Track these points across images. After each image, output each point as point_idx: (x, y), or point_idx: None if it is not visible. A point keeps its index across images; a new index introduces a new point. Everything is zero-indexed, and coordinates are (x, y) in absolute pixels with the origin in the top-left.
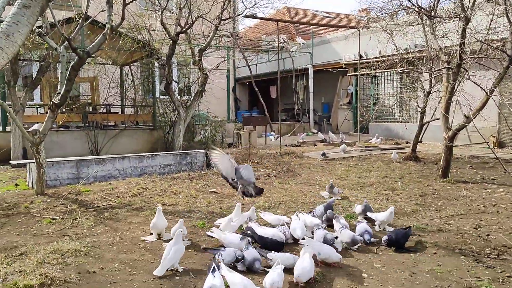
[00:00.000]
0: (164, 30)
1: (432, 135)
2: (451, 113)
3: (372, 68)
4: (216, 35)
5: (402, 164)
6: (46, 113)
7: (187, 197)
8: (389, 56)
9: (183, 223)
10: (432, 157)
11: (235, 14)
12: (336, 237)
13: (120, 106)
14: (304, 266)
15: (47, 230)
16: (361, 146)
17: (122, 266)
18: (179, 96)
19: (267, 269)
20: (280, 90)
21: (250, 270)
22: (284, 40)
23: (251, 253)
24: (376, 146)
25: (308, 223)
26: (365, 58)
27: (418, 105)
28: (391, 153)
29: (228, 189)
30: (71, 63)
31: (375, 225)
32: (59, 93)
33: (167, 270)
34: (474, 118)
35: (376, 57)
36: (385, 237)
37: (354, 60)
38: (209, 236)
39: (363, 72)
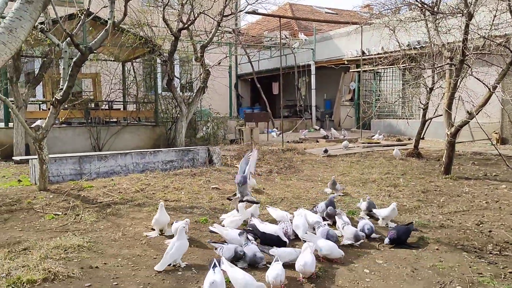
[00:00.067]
0: (166, 26)
1: (434, 132)
2: (454, 110)
3: (375, 64)
4: (218, 31)
5: (404, 160)
6: (49, 109)
7: (189, 193)
8: (391, 52)
9: (188, 223)
10: (434, 154)
11: (237, 10)
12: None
13: (122, 103)
14: (306, 260)
15: (50, 225)
16: (363, 143)
17: (124, 262)
18: (181, 93)
19: (268, 265)
20: (282, 87)
21: (252, 266)
22: (286, 37)
23: (251, 248)
24: (378, 143)
25: (308, 219)
26: (367, 54)
27: (420, 102)
28: (393, 149)
29: (230, 185)
30: (74, 59)
31: (378, 222)
32: (62, 89)
33: (170, 265)
34: (476, 114)
35: (378, 53)
36: (386, 240)
37: (357, 57)
38: (211, 231)
39: (365, 69)
